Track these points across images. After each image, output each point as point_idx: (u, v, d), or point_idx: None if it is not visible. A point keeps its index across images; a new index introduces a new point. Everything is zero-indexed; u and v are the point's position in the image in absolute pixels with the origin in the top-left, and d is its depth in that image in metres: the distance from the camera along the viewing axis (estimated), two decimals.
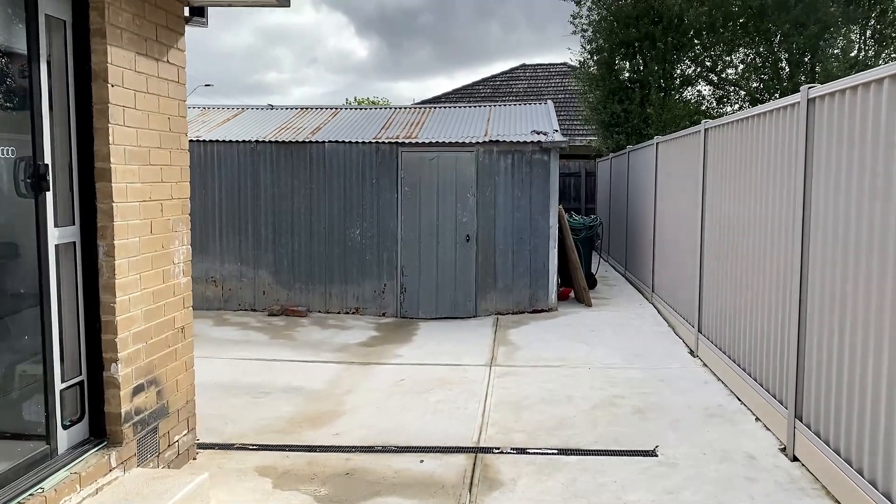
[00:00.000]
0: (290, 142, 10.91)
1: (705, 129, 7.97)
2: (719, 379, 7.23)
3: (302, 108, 14.12)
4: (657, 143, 10.93)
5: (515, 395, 6.92)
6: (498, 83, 29.33)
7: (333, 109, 14.01)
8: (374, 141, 10.78)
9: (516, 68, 30.40)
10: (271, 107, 14.78)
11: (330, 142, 10.86)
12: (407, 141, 10.77)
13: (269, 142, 10.93)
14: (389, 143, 10.76)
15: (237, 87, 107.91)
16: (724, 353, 7.12)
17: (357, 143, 10.80)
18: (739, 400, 6.56)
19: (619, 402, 6.63)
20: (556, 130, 11.24)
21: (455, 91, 29.17)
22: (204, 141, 11.02)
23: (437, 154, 10.71)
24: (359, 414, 6.44)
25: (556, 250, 10.81)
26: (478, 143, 10.67)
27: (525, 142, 10.65)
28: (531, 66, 30.62)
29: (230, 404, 6.69)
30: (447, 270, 10.74)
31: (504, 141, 10.67)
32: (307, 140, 10.90)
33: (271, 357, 8.44)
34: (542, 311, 10.75)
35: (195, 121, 12.96)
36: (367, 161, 10.79)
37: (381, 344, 9.18)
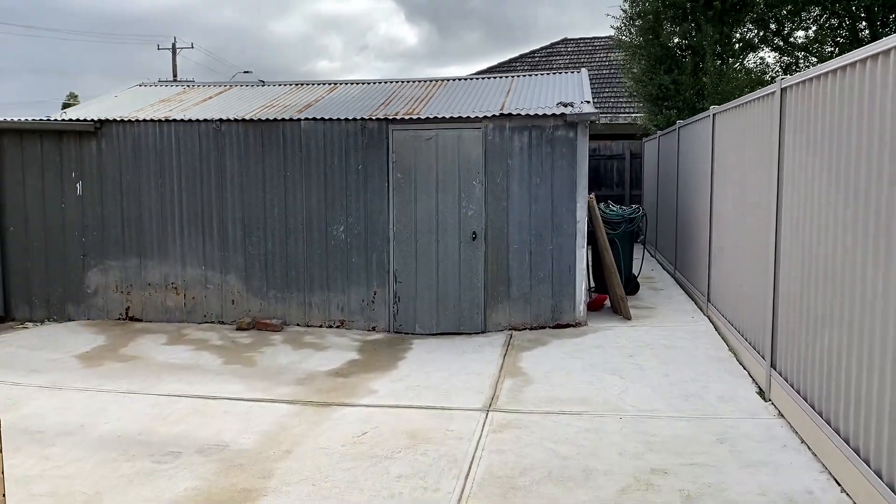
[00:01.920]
0: (259, 120, 9.02)
1: (782, 90, 5.76)
2: (804, 441, 5.07)
3: (297, 84, 12.28)
4: (713, 115, 8.69)
5: (512, 465, 4.90)
6: (536, 59, 27.02)
7: (331, 85, 12.12)
8: (358, 118, 8.82)
9: (557, 43, 28.04)
10: (262, 82, 12.99)
11: (306, 119, 8.94)
12: (398, 117, 8.77)
13: (235, 120, 9.07)
14: (377, 119, 8.78)
15: (287, 76, 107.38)
16: (815, 407, 4.95)
17: (338, 120, 8.85)
18: (839, 484, 4.42)
19: (658, 484, 4.55)
20: (588, 101, 9.10)
21: (490, 69, 26.99)
22: (159, 121, 9.22)
23: (435, 132, 8.69)
24: (285, 497, 4.52)
25: (585, 250, 8.70)
26: (485, 117, 8.60)
27: (545, 115, 8.54)
28: (573, 40, 28.23)
29: (116, 475, 4.85)
30: (450, 275, 8.75)
31: (518, 114, 8.58)
32: (279, 118, 8.99)
33: (212, 393, 6.59)
34: (566, 325, 8.67)
35: (171, 100, 11.23)
36: (352, 142, 8.84)
37: (357, 372, 7.26)
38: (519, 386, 6.64)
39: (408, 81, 11.91)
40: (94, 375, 7.11)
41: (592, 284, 10.33)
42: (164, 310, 9.37)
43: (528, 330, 8.69)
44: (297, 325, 9.15)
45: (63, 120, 9.28)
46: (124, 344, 8.34)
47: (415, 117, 8.71)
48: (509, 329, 8.73)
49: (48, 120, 9.26)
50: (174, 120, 9.19)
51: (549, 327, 8.67)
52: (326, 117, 8.90)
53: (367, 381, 6.92)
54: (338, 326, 9.04)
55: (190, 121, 9.16)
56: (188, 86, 12.84)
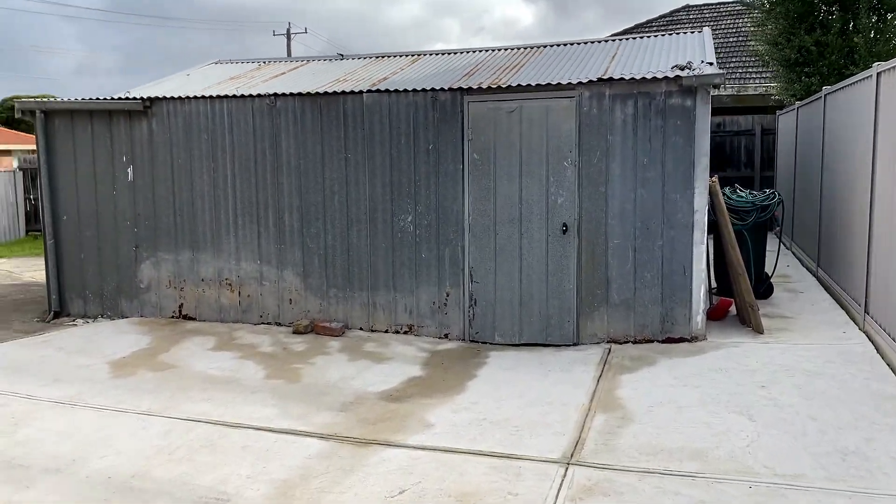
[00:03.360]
0: (316, 94, 7.87)
1: None
2: None
3: (377, 57, 11.10)
4: (878, 74, 6.73)
5: None
6: (655, 28, 24.69)
7: (413, 56, 10.84)
8: (428, 89, 7.48)
9: (677, 10, 25.54)
10: (341, 56, 11.87)
11: (369, 92, 7.70)
12: (476, 86, 7.36)
13: (291, 95, 7.95)
14: (450, 90, 7.41)
15: None
16: None
17: (405, 92, 7.55)
18: None
19: None
20: (710, 63, 7.35)
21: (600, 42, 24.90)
22: (210, 98, 8.26)
23: (518, 104, 7.22)
24: None
25: (704, 245, 7.01)
26: (580, 83, 7.04)
27: (654, 79, 6.89)
28: (696, 6, 25.63)
29: None
30: (535, 275, 7.30)
31: (622, 79, 6.97)
32: (338, 91, 7.80)
33: (237, 419, 5.50)
34: (679, 340, 7.03)
35: (242, 77, 10.33)
36: (421, 118, 7.52)
37: (414, 395, 5.98)
38: (614, 426, 5.14)
39: (497, 49, 10.44)
40: (118, 389, 6.21)
41: (714, 285, 8.56)
42: (219, 308, 8.46)
43: (631, 344, 7.11)
44: (360, 328, 7.99)
45: (112, 98, 8.50)
46: (166, 349, 7.46)
47: (493, 86, 7.27)
48: (607, 342, 7.18)
49: (97, 99, 8.51)
50: (226, 96, 8.20)
51: (658, 341, 7.06)
52: (392, 89, 7.62)
53: (425, 409, 5.63)
54: (405, 332, 7.80)
55: (243, 96, 8.14)
56: (263, 62, 11.94)
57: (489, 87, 7.28)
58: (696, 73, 6.84)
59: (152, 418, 5.53)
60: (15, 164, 24.90)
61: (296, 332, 7.95)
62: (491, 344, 7.48)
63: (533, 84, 7.13)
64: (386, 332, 7.88)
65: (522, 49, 10.27)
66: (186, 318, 8.59)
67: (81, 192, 8.71)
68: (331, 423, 5.41)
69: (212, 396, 6.02)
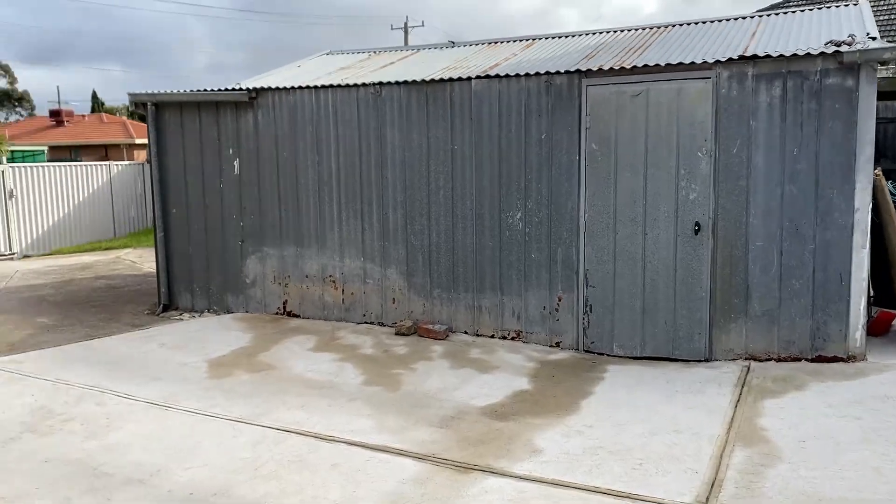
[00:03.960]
0: (422, 82, 7.39)
1: None
2: None
3: (489, 43, 10.55)
4: None
5: None
6: (795, 5, 22.67)
7: (528, 41, 10.20)
8: (542, 72, 6.83)
9: None
10: (452, 44, 11.38)
11: (478, 78, 7.14)
12: (596, 68, 6.64)
13: (396, 83, 7.52)
14: (566, 73, 6.73)
15: None
16: None
17: (516, 76, 6.93)
18: None
19: None
20: (874, 37, 6.28)
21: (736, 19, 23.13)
22: (315, 88, 7.96)
23: (645, 87, 6.44)
24: None
25: (867, 250, 5.99)
26: (717, 62, 6.17)
27: (808, 55, 5.92)
28: None
29: None
30: (661, 280, 6.50)
31: (767, 56, 6.05)
32: (445, 78, 7.28)
33: (330, 430, 5.10)
34: (833, 359, 6.04)
35: (352, 67, 10.05)
36: (533, 105, 6.88)
37: (521, 413, 5.38)
38: (757, 464, 4.34)
39: (619, 31, 9.60)
40: (213, 391, 5.98)
41: (871, 294, 7.43)
42: (322, 306, 8.18)
43: (774, 361, 6.19)
44: (465, 332, 7.47)
45: (219, 90, 8.38)
46: (267, 348, 7.22)
47: (616, 67, 6.53)
48: (746, 358, 6.29)
49: (204, 90, 8.42)
50: (330, 86, 7.87)
51: (806, 360, 6.10)
52: (502, 74, 7.02)
53: (532, 431, 5.02)
54: (513, 338, 7.20)
55: (347, 86, 7.78)
56: (373, 52, 11.64)
57: (611, 69, 6.54)
58: (859, 47, 5.82)
59: (243, 426, 5.23)
60: (145, 156, 26.23)
61: (398, 334, 7.53)
62: (608, 356, 6.76)
63: (662, 64, 6.33)
64: (492, 337, 7.32)
65: (648, 29, 9.38)
66: (290, 315, 8.37)
67: (190, 185, 8.67)
68: (428, 440, 4.90)
69: (307, 403, 5.66)
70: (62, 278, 11.61)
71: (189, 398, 5.80)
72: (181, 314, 8.71)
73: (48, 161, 32.15)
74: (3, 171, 15.34)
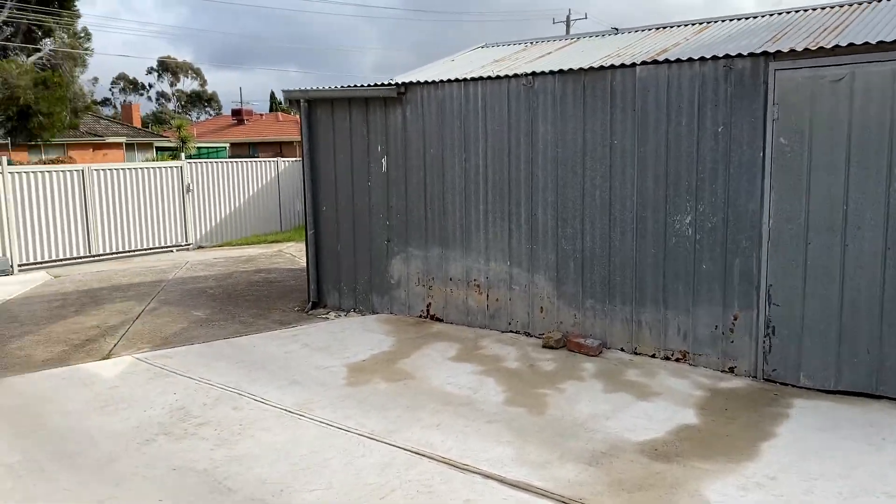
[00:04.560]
0: (579, 70, 6.70)
1: None
2: None
3: (656, 28, 9.62)
4: None
5: None
6: None
7: (700, 25, 9.18)
8: (720, 56, 5.91)
9: None
10: (615, 30, 10.54)
11: (643, 64, 6.34)
12: (787, 49, 5.63)
13: (550, 73, 6.88)
14: (750, 55, 5.77)
15: None
16: None
17: (688, 61, 6.07)
18: None
19: None
20: None
21: None
22: (464, 81, 7.50)
23: (849, 70, 5.36)
24: None
25: None
26: None
27: None
28: None
29: None
30: (863, 300, 5.41)
31: None
32: (605, 65, 6.55)
33: (464, 458, 4.62)
34: None
35: (506, 59, 9.54)
36: (709, 94, 5.99)
37: (687, 454, 4.60)
38: None
39: (811, 9, 8.35)
40: (349, 400, 5.70)
41: None
42: (466, 311, 7.74)
43: None
44: (621, 349, 6.71)
45: (368, 86, 8.15)
46: (407, 354, 6.88)
47: (812, 48, 5.49)
48: None
49: (354, 87, 8.23)
50: (480, 78, 7.39)
51: None
52: (672, 59, 6.18)
53: (700, 478, 4.25)
54: (677, 359, 6.36)
55: (498, 77, 7.26)
56: (530, 43, 11.04)
57: (806, 50, 5.51)
58: None
59: (374, 444, 4.86)
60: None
61: (546, 346, 6.92)
62: (794, 387, 5.75)
63: (874, 42, 5.23)
64: (652, 356, 6.51)
65: (845, 6, 8.06)
66: (433, 318, 8.01)
67: (339, 183, 8.55)
68: (575, 480, 4.28)
69: (442, 422, 5.22)
70: (225, 271, 12.06)
71: (324, 406, 5.54)
72: (328, 312, 8.61)
73: (229, 157, 34.51)
74: (181, 168, 16.34)
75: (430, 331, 7.68)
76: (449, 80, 7.59)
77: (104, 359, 6.87)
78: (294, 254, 14.24)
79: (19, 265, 13.22)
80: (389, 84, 7.97)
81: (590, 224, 6.74)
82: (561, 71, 6.80)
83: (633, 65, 6.39)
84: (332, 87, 8.42)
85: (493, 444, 4.81)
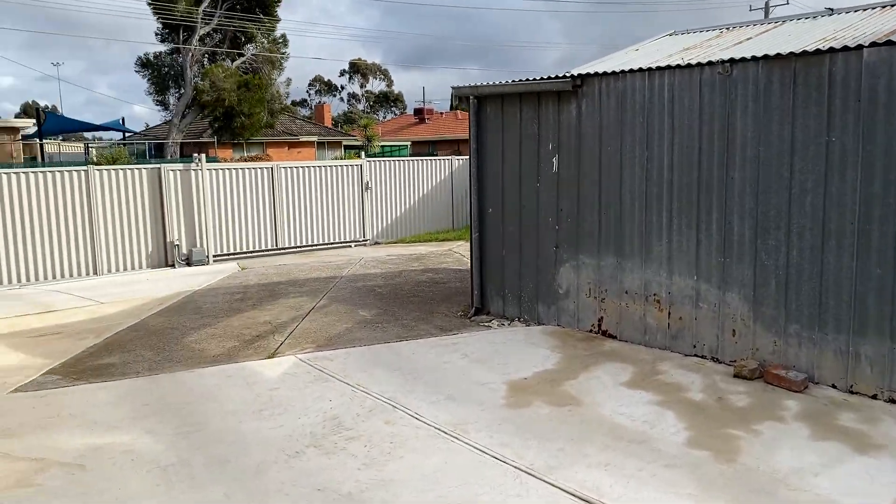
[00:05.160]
0: (789, 55, 5.69)
1: None
2: None
3: (881, 7, 8.21)
4: None
5: None
6: None
7: None
8: None
9: None
10: (830, 11, 9.17)
11: (872, 46, 5.24)
12: None
13: (753, 59, 5.93)
14: None
15: None
16: None
17: None
18: None
19: None
20: None
21: None
22: (648, 70, 6.72)
23: None
24: None
25: None
26: None
27: None
28: None
29: None
30: None
31: None
32: (823, 49, 5.50)
33: None
34: None
35: (697, 46, 8.60)
36: None
37: None
38: None
39: None
40: (507, 424, 5.20)
41: None
42: (643, 328, 6.96)
43: None
44: (832, 386, 5.64)
45: (541, 79, 7.58)
46: (574, 374, 6.26)
47: None
48: None
49: (525, 80, 7.69)
50: (667, 67, 6.57)
51: None
52: None
53: None
54: None
55: (688, 66, 6.40)
56: (725, 29, 9.91)
57: None
58: None
59: (532, 481, 4.33)
60: None
61: (737, 376, 6.00)
62: None
63: None
64: (873, 398, 5.40)
65: None
66: (605, 334, 7.31)
67: (507, 184, 8.08)
68: None
69: (612, 461, 4.57)
70: (395, 269, 12.06)
71: (479, 429, 5.09)
72: (491, 320, 8.18)
73: (410, 155, 35.43)
74: (361, 166, 16.74)
75: (601, 349, 6.99)
76: (631, 71, 6.84)
77: (269, 357, 6.91)
78: (462, 254, 14.02)
79: (214, 256, 14.12)
80: (564, 76, 7.35)
81: (797, 235, 5.73)
82: (766, 57, 5.82)
83: (860, 47, 5.31)
84: (503, 81, 7.96)
85: (672, 497, 4.10)
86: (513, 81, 7.84)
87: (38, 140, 30.02)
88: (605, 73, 7.06)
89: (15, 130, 31.88)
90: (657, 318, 6.83)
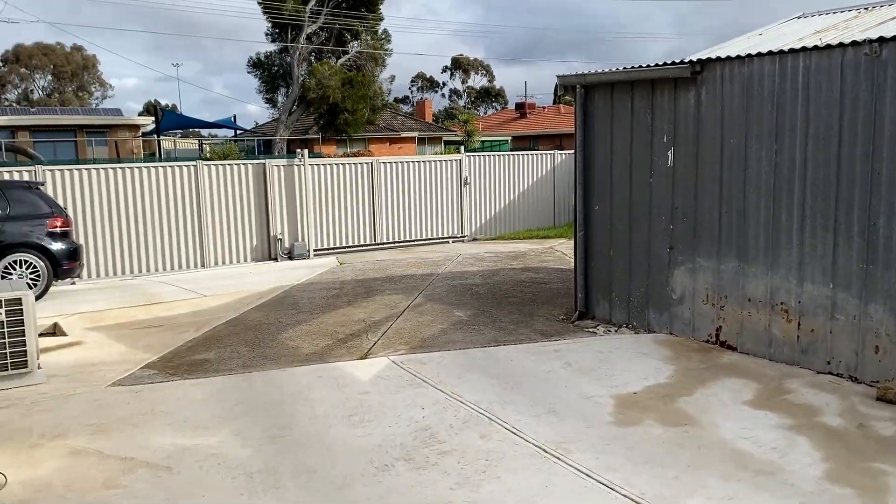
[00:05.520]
0: None
1: None
2: None
3: None
4: None
5: None
6: None
7: None
8: None
9: None
10: None
11: None
12: None
13: None
14: None
15: None
16: None
17: None
18: None
19: None
20: None
21: None
22: (779, 53, 6.01)
23: None
24: None
25: None
26: None
27: None
28: None
29: None
30: None
31: None
32: None
33: None
34: None
35: (830, 29, 7.76)
36: None
37: None
38: None
39: None
40: (615, 444, 4.72)
41: None
42: (768, 340, 6.27)
43: None
44: None
45: (656, 65, 6.97)
46: (689, 390, 5.68)
47: None
48: None
49: (638, 67, 7.10)
50: (801, 49, 5.85)
51: None
52: None
53: None
54: None
55: (827, 47, 5.67)
56: (864, 9, 8.92)
57: None
58: None
59: None
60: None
61: (881, 399, 5.25)
62: None
63: None
64: None
65: None
66: (724, 345, 6.65)
67: (616, 179, 7.52)
68: None
69: (736, 494, 4.02)
70: (493, 267, 11.68)
71: (584, 449, 4.64)
72: (596, 326, 7.65)
73: (511, 150, 34.96)
74: (460, 161, 16.45)
75: (720, 361, 6.34)
76: (759, 55, 6.15)
77: (361, 358, 6.68)
78: (565, 252, 13.46)
79: (314, 250, 14.22)
80: (682, 62, 6.73)
81: None
82: None
83: None
84: (613, 68, 7.40)
85: None
86: (624, 68, 7.27)
87: (155, 136, 31.57)
88: (728, 58, 6.39)
89: (136, 128, 33.71)
90: (784, 330, 6.12)
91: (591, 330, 7.53)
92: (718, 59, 6.46)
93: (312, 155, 17.12)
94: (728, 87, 6.42)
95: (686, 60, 6.71)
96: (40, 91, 55.30)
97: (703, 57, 6.64)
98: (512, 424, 5.04)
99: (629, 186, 7.38)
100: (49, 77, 55.50)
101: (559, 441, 4.77)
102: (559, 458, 4.52)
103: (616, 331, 7.46)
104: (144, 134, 33.29)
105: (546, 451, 4.62)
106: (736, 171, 6.42)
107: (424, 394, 5.68)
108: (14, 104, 48.73)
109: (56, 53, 54.11)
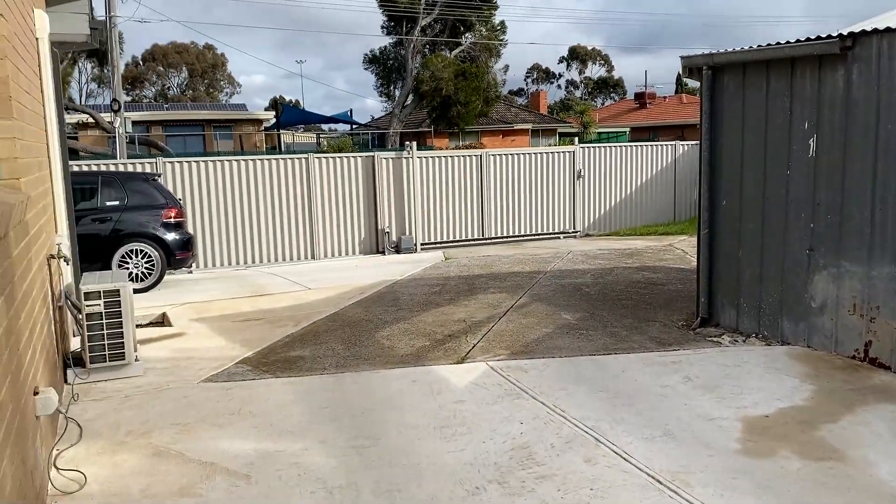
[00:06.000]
0: None
1: None
2: None
3: None
4: None
5: None
6: None
7: None
8: None
9: None
10: None
11: None
12: None
13: None
14: None
15: None
16: None
17: None
18: None
19: None
20: None
21: None
22: (888, 31, 5.05)
23: None
24: None
25: None
26: None
27: None
28: None
29: None
30: None
31: None
32: None
33: None
34: None
35: None
36: None
37: None
38: None
39: None
40: (742, 477, 4.05)
41: None
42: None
43: None
44: None
45: (796, 42, 6.11)
46: (834, 415, 4.88)
47: None
48: None
49: (776, 45, 6.25)
50: None
51: None
52: None
53: None
54: None
55: None
56: None
57: None
58: None
59: None
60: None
61: None
62: None
63: None
64: None
65: None
66: (874, 363, 5.75)
67: (746, 171, 6.71)
68: None
69: None
70: (606, 265, 10.98)
71: (706, 483, 4.01)
72: (720, 334, 6.87)
73: (629, 141, 33.67)
74: (574, 153, 15.76)
75: (870, 382, 5.47)
76: (874, 32, 5.21)
77: (458, 363, 6.27)
78: (685, 250, 12.54)
79: (421, 244, 14.00)
80: (829, 37, 5.84)
81: None
82: None
83: None
84: (746, 47, 6.58)
85: None
86: (758, 47, 6.44)
87: (276, 130, 32.59)
88: (888, 30, 5.47)
89: (258, 122, 34.98)
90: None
91: (714, 339, 6.76)
92: (876, 31, 5.54)
93: (422, 147, 16.91)
94: (886, 65, 5.50)
95: (835, 35, 5.82)
96: (175, 88, 58.73)
97: (857, 30, 5.73)
98: (622, 448, 4.47)
99: (762, 180, 6.55)
100: (183, 75, 58.79)
101: (675, 471, 4.16)
102: (676, 492, 3.91)
103: (744, 341, 6.66)
104: (266, 128, 34.48)
105: (661, 483, 4.03)
106: (893, 163, 5.50)
107: (524, 406, 5.19)
108: (151, 100, 52.02)
109: (189, 52, 57.21)
